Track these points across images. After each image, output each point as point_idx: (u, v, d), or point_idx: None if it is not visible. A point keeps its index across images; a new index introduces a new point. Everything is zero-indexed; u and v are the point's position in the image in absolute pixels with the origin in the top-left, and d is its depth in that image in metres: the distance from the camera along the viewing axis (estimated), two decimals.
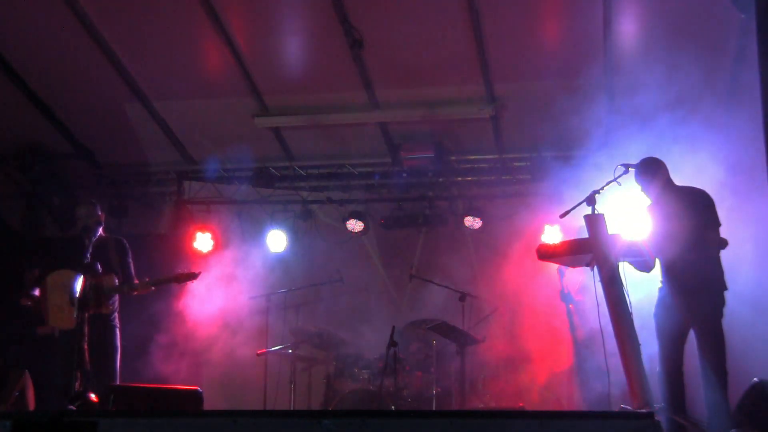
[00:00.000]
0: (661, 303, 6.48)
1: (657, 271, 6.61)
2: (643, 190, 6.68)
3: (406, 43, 8.45)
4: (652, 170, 6.62)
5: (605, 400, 6.16)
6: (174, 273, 7.28)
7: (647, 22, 8.01)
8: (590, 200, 5.88)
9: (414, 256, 10.04)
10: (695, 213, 6.35)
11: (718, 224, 6.40)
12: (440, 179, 10.23)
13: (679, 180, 6.76)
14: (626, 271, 5.94)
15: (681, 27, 7.73)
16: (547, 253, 6.36)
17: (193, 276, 7.25)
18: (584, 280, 7.92)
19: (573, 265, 6.77)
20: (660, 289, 6.58)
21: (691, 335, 6.43)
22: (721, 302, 6.25)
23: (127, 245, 7.50)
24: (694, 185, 6.79)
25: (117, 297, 7.30)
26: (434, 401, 8.12)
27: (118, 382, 7.05)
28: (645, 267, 6.29)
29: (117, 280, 7.00)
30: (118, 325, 7.30)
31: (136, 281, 7.25)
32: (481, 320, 9.01)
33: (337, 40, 8.30)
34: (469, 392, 8.61)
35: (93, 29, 8.33)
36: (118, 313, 7.33)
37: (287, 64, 8.95)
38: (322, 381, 8.99)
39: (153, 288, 7.27)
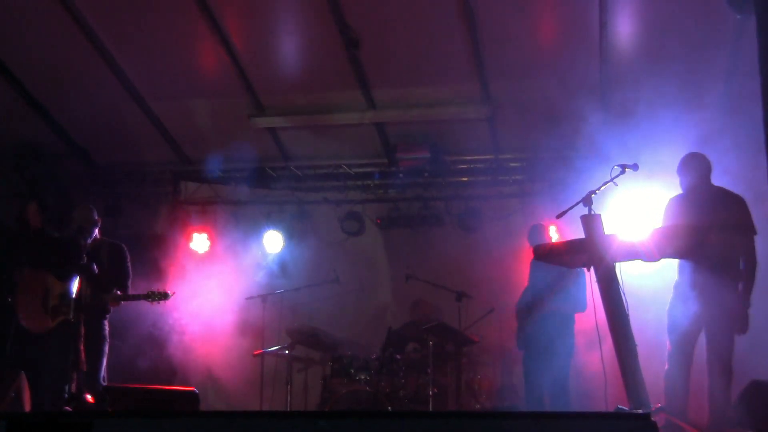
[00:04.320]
0: (678, 299, 6.53)
1: (668, 268, 6.69)
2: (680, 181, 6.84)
3: (402, 43, 8.45)
4: (691, 165, 6.77)
5: (602, 401, 6.16)
6: (146, 291, 7.27)
7: (643, 23, 8.01)
8: (587, 201, 5.88)
9: (410, 256, 10.03)
10: (719, 213, 6.42)
11: (753, 230, 6.48)
12: (436, 179, 10.23)
13: (677, 181, 6.82)
14: (623, 272, 5.94)
15: (676, 28, 7.74)
16: (543, 253, 6.35)
17: (165, 296, 7.24)
18: None
19: (570, 265, 6.78)
20: (675, 286, 6.63)
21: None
22: (734, 303, 6.33)
23: (125, 250, 7.48)
24: (683, 186, 6.85)
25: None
26: (431, 402, 8.10)
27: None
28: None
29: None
30: (107, 329, 7.28)
31: (118, 292, 7.24)
32: (478, 321, 9.00)
33: (333, 41, 8.29)
34: (465, 393, 8.61)
35: (88, 29, 8.32)
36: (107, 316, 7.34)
37: (283, 65, 8.94)
38: (319, 382, 8.98)
39: (121, 302, 7.26)
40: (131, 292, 7.40)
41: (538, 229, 8.56)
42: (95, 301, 7.07)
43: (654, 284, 7.28)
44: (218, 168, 10.13)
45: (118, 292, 7.23)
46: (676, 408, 6.24)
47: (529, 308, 8.20)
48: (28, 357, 6.69)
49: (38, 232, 7.06)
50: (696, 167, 6.78)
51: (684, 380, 6.45)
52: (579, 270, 7.73)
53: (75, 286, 6.82)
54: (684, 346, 6.49)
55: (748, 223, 6.51)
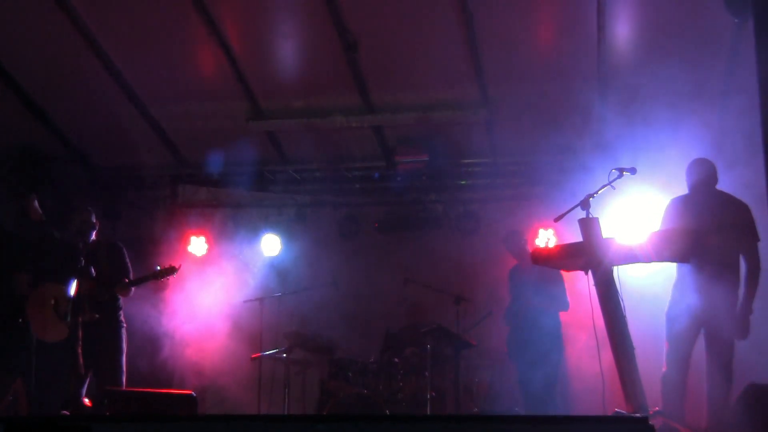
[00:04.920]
0: (677, 301, 6.54)
1: (665, 271, 6.70)
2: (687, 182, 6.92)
3: (401, 46, 8.45)
4: (695, 170, 6.86)
5: (600, 404, 6.16)
6: (152, 270, 7.27)
7: (641, 25, 8.01)
8: (584, 204, 5.88)
9: (408, 259, 10.02)
10: (719, 217, 6.45)
11: (756, 237, 6.50)
12: (434, 182, 10.23)
13: (675, 184, 6.82)
14: (621, 275, 5.95)
15: (674, 30, 7.75)
16: (541, 257, 6.36)
17: (172, 270, 7.23)
18: None
19: (568, 269, 6.78)
20: (674, 287, 6.63)
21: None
22: (734, 306, 6.35)
23: (123, 248, 7.50)
24: (688, 189, 6.88)
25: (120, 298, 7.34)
26: (429, 405, 8.10)
27: (123, 384, 7.07)
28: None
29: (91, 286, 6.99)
30: (124, 325, 7.32)
31: (126, 280, 7.24)
32: (476, 324, 9.00)
33: (331, 43, 8.29)
34: (463, 396, 8.60)
35: (87, 32, 8.31)
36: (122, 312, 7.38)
37: (282, 67, 8.94)
38: (317, 385, 8.97)
39: (132, 289, 7.25)
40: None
41: (514, 237, 8.64)
42: (99, 301, 7.08)
43: (652, 287, 7.28)
44: (219, 164, 10.07)
45: (126, 280, 7.22)
46: (673, 410, 6.25)
47: (516, 315, 8.29)
48: (28, 362, 6.69)
49: (39, 226, 7.06)
50: (700, 171, 6.81)
51: (681, 382, 6.47)
52: (556, 271, 7.83)
53: (73, 289, 6.83)
54: (682, 348, 6.50)
55: (751, 229, 6.52)
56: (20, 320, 6.68)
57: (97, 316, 6.87)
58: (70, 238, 7.17)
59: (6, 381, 6.66)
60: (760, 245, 6.57)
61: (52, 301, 6.91)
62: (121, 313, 7.34)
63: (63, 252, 7.11)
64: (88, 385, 6.96)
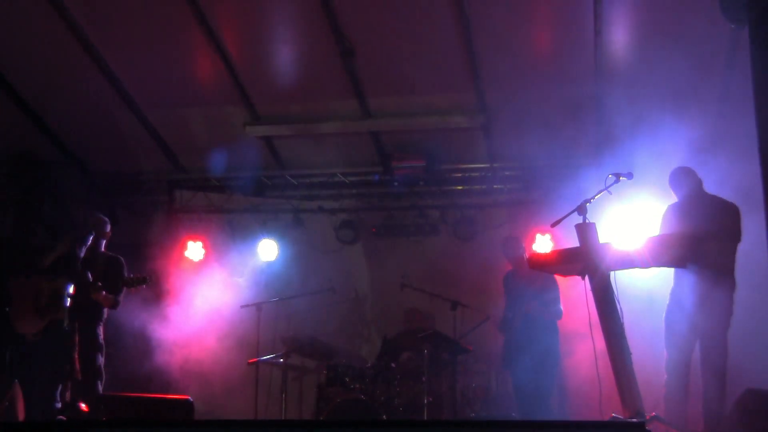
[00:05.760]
0: (675, 306, 6.55)
1: (662, 276, 6.71)
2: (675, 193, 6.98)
3: (398, 52, 8.45)
4: (678, 180, 6.92)
5: (597, 409, 6.15)
6: (124, 277, 7.27)
7: (638, 31, 8.03)
8: (581, 209, 5.89)
9: (405, 265, 10.01)
10: (716, 221, 6.46)
11: (738, 238, 6.50)
12: (431, 188, 10.23)
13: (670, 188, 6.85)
14: (618, 280, 5.95)
15: (671, 36, 7.75)
16: (538, 263, 6.36)
17: (142, 281, 7.23)
18: None
19: (565, 274, 6.79)
20: (672, 293, 6.64)
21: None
22: (729, 311, 6.36)
23: (123, 264, 7.49)
24: (678, 198, 6.89)
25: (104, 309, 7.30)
26: (425, 410, 8.09)
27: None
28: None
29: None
30: (101, 335, 7.30)
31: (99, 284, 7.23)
32: (473, 329, 8.99)
33: (328, 49, 8.30)
34: (460, 401, 8.60)
35: (84, 37, 8.32)
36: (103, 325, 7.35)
37: (279, 73, 8.94)
38: (314, 390, 8.96)
39: (108, 296, 7.22)
40: (124, 300, 7.41)
41: (511, 243, 8.62)
42: (88, 308, 7.07)
43: (648, 292, 7.29)
44: (216, 169, 10.06)
45: (99, 284, 7.20)
46: (675, 417, 6.25)
47: (511, 322, 8.28)
48: (21, 364, 6.68)
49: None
50: (687, 182, 6.85)
51: (682, 389, 6.46)
52: (551, 279, 7.84)
53: (70, 291, 6.82)
54: (681, 354, 6.50)
55: (735, 231, 6.55)
56: (6, 309, 6.67)
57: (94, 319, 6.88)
58: (69, 243, 7.16)
59: (2, 386, 6.64)
60: (756, 247, 6.59)
61: (33, 294, 6.90)
62: (101, 326, 7.30)
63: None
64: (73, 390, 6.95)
